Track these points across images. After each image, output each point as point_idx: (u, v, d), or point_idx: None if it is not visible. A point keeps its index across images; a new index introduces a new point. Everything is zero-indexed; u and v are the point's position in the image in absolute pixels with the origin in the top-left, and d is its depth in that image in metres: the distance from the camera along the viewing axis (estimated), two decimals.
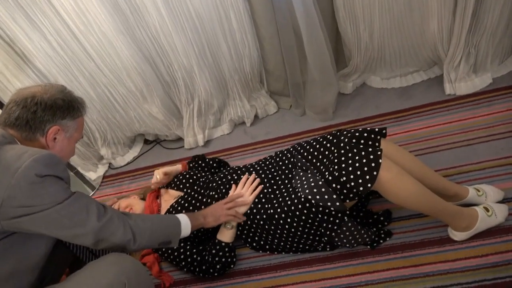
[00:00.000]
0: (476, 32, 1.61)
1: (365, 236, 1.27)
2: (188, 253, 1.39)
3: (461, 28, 1.60)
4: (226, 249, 1.37)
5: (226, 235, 1.38)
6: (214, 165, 1.77)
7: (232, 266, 1.40)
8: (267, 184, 1.41)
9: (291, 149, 1.46)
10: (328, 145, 1.30)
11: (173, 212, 1.46)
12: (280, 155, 1.49)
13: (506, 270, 1.15)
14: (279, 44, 1.81)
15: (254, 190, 1.40)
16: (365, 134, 1.24)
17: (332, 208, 1.16)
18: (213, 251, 1.36)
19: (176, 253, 1.41)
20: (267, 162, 1.52)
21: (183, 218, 1.23)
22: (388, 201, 1.23)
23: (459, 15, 1.57)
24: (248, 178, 1.44)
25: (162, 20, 1.67)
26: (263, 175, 1.44)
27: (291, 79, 1.90)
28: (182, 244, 1.42)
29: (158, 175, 1.60)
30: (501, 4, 1.51)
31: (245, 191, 1.39)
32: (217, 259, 1.35)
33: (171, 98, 2.05)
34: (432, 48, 1.77)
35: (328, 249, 1.37)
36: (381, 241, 1.33)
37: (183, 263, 1.39)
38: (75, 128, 1.10)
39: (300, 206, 1.21)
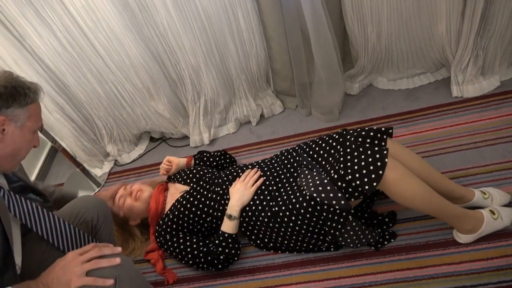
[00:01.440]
0: (484, 35, 1.61)
1: (369, 236, 1.27)
2: (194, 245, 1.41)
3: (469, 30, 1.59)
4: (229, 240, 1.38)
5: (229, 226, 1.39)
6: (222, 157, 1.78)
7: (236, 258, 1.41)
8: (272, 182, 1.41)
9: (297, 148, 1.46)
10: (334, 144, 1.30)
11: (178, 206, 1.47)
12: (286, 153, 1.50)
13: (511, 273, 1.15)
14: (287, 44, 1.81)
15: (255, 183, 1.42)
16: (372, 134, 1.24)
17: (337, 207, 1.17)
18: (217, 242, 1.38)
19: (182, 246, 1.42)
20: (273, 161, 1.52)
21: None
22: (393, 203, 1.23)
23: (467, 17, 1.56)
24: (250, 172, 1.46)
25: (171, 18, 1.68)
26: (268, 173, 1.45)
27: (297, 79, 1.90)
28: (188, 238, 1.44)
29: (164, 163, 1.69)
30: (511, 6, 1.50)
31: (247, 182, 1.41)
32: (220, 249, 1.37)
33: (177, 96, 2.06)
34: (439, 50, 1.76)
35: (332, 249, 1.37)
36: (386, 242, 1.32)
37: (190, 255, 1.41)
38: (27, 116, 1.00)
39: (305, 204, 1.21)
